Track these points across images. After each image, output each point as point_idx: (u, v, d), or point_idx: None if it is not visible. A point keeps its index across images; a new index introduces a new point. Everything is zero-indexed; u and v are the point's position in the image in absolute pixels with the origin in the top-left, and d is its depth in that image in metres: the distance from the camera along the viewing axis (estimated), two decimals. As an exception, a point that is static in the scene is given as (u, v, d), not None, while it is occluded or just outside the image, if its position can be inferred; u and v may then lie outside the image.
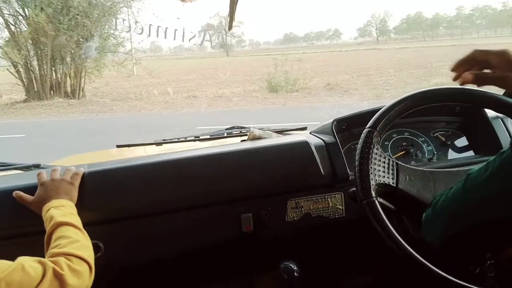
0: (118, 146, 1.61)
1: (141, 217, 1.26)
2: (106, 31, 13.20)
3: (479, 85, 0.90)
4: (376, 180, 0.99)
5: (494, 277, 0.93)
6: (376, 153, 1.01)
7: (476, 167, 0.80)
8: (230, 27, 1.35)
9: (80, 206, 1.15)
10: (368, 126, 1.04)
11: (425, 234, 0.93)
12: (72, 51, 12.50)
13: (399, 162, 1.04)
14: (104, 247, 1.17)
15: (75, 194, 1.17)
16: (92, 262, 0.96)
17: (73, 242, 0.96)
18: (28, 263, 0.85)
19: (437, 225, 0.90)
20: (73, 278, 0.88)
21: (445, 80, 10.23)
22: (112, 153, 1.65)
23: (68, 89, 12.94)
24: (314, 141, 1.39)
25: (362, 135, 1.04)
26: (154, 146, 1.60)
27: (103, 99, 12.51)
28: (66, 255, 0.92)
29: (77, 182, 1.20)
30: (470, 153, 1.49)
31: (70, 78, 12.94)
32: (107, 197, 1.24)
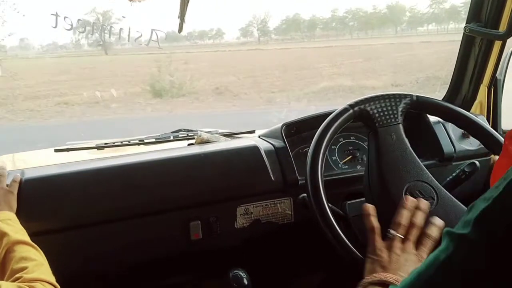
0: (56, 151, 1.50)
1: (84, 227, 1.21)
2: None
3: None
4: None
5: None
6: None
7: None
8: (180, 29, 1.31)
9: (19, 216, 1.08)
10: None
11: None
12: None
13: None
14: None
15: (15, 203, 1.11)
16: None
17: (39, 265, 0.93)
18: None
19: None
20: None
21: (332, 83, 10.24)
22: (48, 156, 1.52)
23: None
24: (263, 145, 1.39)
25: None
26: (96, 150, 1.52)
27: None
28: (40, 281, 0.88)
29: (15, 190, 1.13)
30: None
31: None
32: (47, 206, 1.18)
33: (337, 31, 21.36)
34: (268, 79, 12.67)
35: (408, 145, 1.14)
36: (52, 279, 0.92)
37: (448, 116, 1.22)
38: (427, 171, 1.11)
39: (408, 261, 0.91)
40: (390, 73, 11.82)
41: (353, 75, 11.65)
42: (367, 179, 1.14)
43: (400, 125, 1.14)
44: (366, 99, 1.14)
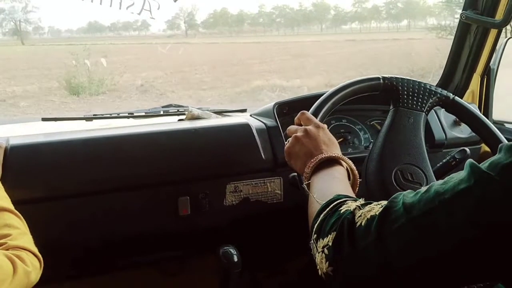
0: (43, 120, 1.43)
1: (71, 197, 1.18)
2: None
3: None
4: None
5: None
6: None
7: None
8: None
9: (3, 183, 1.01)
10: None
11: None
12: None
13: None
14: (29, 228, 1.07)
15: None
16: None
17: (23, 234, 0.89)
18: None
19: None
20: (35, 275, 0.85)
21: (265, 83, 9.71)
22: (36, 126, 1.44)
23: None
24: (255, 123, 1.38)
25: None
26: (84, 121, 1.45)
27: None
28: (25, 250, 0.85)
29: (0, 157, 1.08)
30: None
31: None
32: (33, 174, 1.14)
33: (265, 26, 21.12)
34: (197, 74, 11.95)
35: (421, 133, 1.13)
36: (35, 250, 0.88)
37: (479, 130, 1.18)
38: (427, 160, 1.11)
39: (313, 135, 1.01)
40: (321, 71, 11.56)
41: (284, 73, 11.26)
42: (368, 155, 1.13)
43: (423, 114, 1.13)
44: (401, 77, 1.15)
